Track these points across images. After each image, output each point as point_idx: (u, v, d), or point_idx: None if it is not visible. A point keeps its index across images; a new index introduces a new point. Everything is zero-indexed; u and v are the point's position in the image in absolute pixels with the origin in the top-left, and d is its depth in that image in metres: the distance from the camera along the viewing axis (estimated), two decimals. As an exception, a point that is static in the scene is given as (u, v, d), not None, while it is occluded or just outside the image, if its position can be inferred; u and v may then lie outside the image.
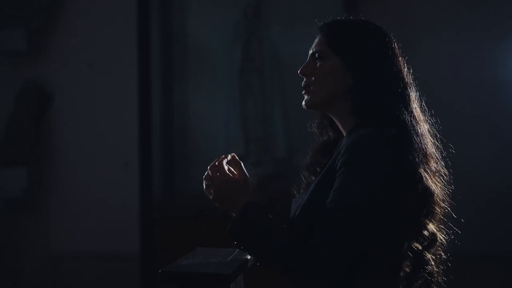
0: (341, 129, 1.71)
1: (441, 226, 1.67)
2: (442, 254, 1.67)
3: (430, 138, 1.68)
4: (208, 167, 1.67)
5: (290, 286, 1.68)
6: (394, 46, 1.70)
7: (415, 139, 1.59)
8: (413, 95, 1.68)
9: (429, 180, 1.60)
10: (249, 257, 1.68)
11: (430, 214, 1.62)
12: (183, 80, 4.76)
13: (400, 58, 1.69)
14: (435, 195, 1.61)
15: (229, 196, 1.63)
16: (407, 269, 1.65)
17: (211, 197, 1.66)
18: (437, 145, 1.69)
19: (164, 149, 4.73)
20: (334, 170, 1.57)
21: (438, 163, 1.67)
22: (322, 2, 4.23)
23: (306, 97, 1.70)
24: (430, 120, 1.72)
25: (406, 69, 1.70)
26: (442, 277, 1.68)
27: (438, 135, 1.71)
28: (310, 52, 1.71)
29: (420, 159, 1.58)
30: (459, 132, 3.94)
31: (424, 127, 1.66)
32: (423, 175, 1.58)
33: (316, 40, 1.71)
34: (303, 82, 1.71)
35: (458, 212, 1.73)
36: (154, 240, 4.25)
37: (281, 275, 1.57)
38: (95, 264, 4.45)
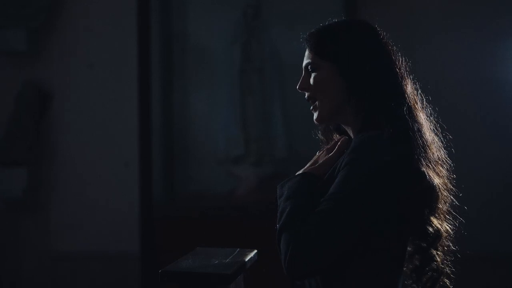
0: (349, 132, 1.72)
1: (447, 216, 1.67)
2: (450, 245, 1.67)
3: (430, 128, 1.67)
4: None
5: (289, 287, 1.68)
6: (383, 39, 1.68)
7: (414, 136, 1.59)
8: (409, 87, 1.67)
9: (432, 175, 1.59)
10: (249, 257, 1.68)
11: (433, 210, 1.62)
12: (183, 80, 4.76)
13: (390, 50, 1.67)
14: (438, 189, 1.61)
15: (312, 162, 1.71)
16: (416, 263, 1.66)
17: None
18: (436, 133, 1.68)
19: (164, 149, 4.72)
20: (339, 170, 1.58)
21: (441, 151, 1.67)
22: (322, 2, 4.21)
23: (314, 114, 1.71)
24: (429, 108, 1.70)
25: (399, 59, 1.68)
26: (451, 268, 1.68)
27: (439, 124, 1.70)
28: (303, 66, 1.72)
29: (421, 155, 1.58)
30: (459, 132, 3.94)
31: (422, 118, 1.65)
32: (425, 172, 1.58)
33: (306, 53, 1.72)
34: (306, 96, 1.71)
35: (458, 212, 1.73)
36: (154, 240, 4.25)
37: (278, 248, 1.57)
38: (95, 264, 4.45)
